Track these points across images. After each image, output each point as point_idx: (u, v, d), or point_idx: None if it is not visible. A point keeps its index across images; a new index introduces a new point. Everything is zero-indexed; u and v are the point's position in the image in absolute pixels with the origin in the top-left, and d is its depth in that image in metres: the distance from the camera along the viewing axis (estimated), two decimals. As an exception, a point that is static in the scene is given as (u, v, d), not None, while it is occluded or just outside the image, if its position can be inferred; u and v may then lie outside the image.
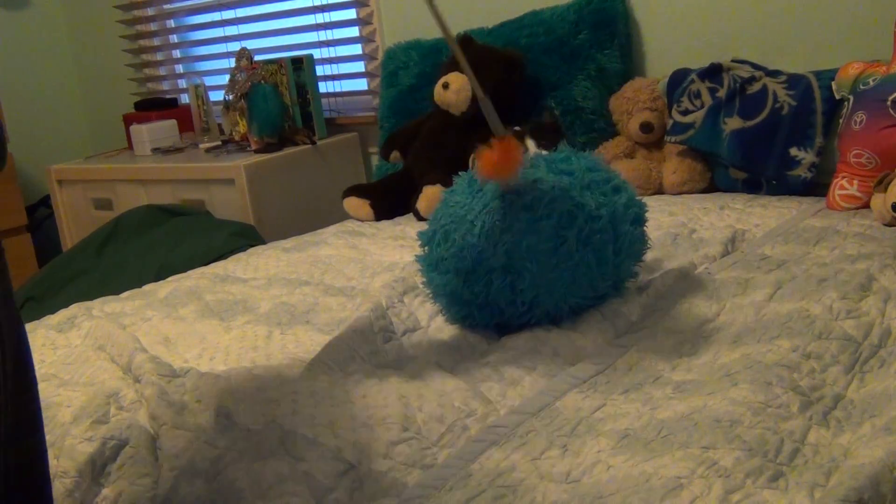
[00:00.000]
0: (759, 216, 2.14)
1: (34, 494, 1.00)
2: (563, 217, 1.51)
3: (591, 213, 1.54)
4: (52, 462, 1.33)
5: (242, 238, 2.71)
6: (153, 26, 3.93)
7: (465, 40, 2.76)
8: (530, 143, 2.55)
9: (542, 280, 1.52)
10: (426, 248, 1.64)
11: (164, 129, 3.54)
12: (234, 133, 3.33)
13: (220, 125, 3.47)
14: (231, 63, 3.28)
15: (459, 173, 1.67)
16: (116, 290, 2.19)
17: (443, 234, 1.59)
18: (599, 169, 1.62)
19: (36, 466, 1.00)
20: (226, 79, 3.28)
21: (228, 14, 3.63)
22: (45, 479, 1.01)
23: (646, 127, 2.54)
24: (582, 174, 1.58)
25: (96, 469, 1.30)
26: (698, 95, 2.44)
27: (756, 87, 2.35)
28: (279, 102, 3.16)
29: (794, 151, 2.26)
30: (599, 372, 1.38)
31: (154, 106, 3.67)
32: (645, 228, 1.67)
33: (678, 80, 2.51)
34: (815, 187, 2.25)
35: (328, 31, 3.38)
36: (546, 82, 2.70)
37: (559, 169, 1.60)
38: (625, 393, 1.30)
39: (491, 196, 1.54)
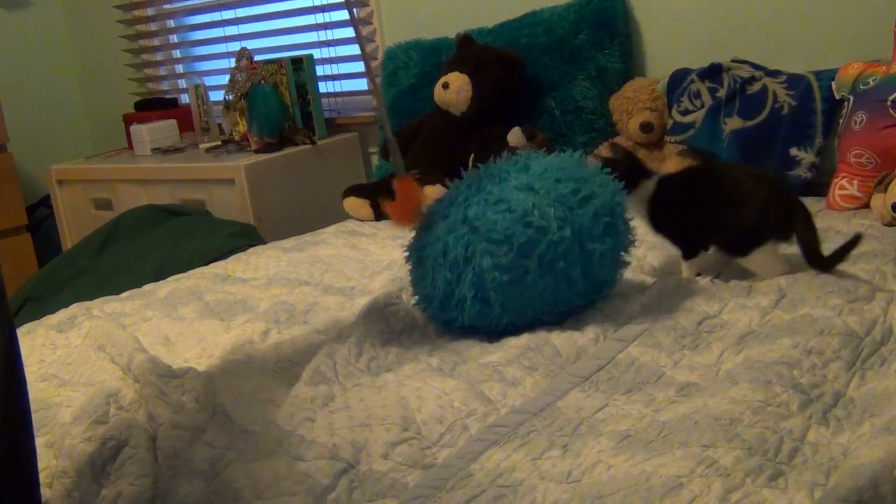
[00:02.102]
0: (760, 216, 2.14)
1: (25, 490, 1.00)
2: (522, 247, 1.50)
3: (552, 238, 1.50)
4: (51, 462, 1.33)
5: (242, 238, 2.71)
6: (153, 26, 3.93)
7: (465, 40, 2.76)
8: (518, 136, 2.54)
9: (511, 306, 1.52)
10: (408, 263, 1.66)
11: (164, 129, 3.54)
12: (234, 133, 3.33)
13: (220, 125, 3.47)
14: (231, 63, 3.28)
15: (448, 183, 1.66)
16: (116, 290, 2.19)
17: (417, 259, 1.61)
18: (567, 178, 1.56)
19: (27, 463, 1.00)
20: (226, 79, 3.28)
21: (228, 14, 3.63)
22: (35, 475, 1.01)
23: (646, 127, 2.54)
24: (547, 190, 1.54)
25: (96, 469, 1.29)
26: (698, 95, 2.44)
27: (756, 87, 2.35)
28: (279, 102, 3.16)
29: (794, 151, 2.26)
30: (601, 368, 1.38)
31: (154, 106, 3.67)
32: (630, 225, 1.63)
33: (678, 80, 2.51)
34: (815, 187, 2.25)
35: (328, 31, 3.38)
36: (546, 82, 2.70)
37: (523, 184, 1.56)
38: (627, 393, 1.30)
39: (456, 224, 1.53)
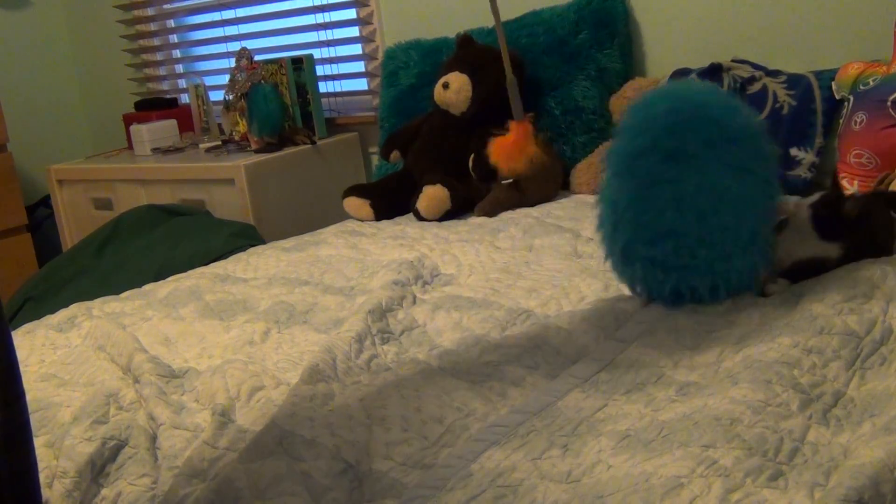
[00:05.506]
0: (760, 216, 2.14)
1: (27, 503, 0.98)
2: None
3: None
4: (51, 462, 1.33)
5: (242, 238, 2.71)
6: (153, 26, 3.93)
7: (465, 40, 2.76)
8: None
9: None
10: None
11: (164, 129, 3.54)
12: (234, 133, 3.33)
13: (220, 125, 3.47)
14: (231, 63, 3.28)
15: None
16: (116, 290, 2.19)
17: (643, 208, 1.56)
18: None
19: (28, 477, 0.98)
20: (226, 79, 3.28)
21: (228, 14, 3.63)
22: (36, 487, 1.00)
23: (646, 127, 2.54)
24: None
25: (96, 469, 1.30)
26: (698, 95, 2.44)
27: (756, 87, 2.35)
28: (279, 102, 3.16)
29: (794, 151, 2.26)
30: (601, 369, 1.38)
31: (154, 106, 3.67)
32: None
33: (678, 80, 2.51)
34: (816, 187, 2.25)
35: (328, 31, 3.38)
36: (546, 82, 2.70)
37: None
38: (627, 393, 1.30)
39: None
